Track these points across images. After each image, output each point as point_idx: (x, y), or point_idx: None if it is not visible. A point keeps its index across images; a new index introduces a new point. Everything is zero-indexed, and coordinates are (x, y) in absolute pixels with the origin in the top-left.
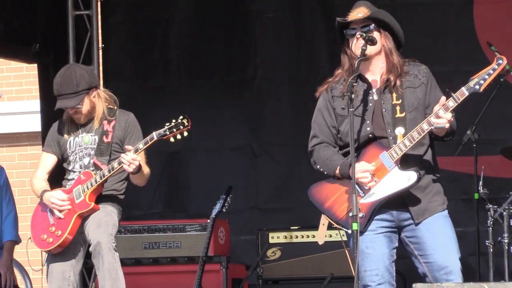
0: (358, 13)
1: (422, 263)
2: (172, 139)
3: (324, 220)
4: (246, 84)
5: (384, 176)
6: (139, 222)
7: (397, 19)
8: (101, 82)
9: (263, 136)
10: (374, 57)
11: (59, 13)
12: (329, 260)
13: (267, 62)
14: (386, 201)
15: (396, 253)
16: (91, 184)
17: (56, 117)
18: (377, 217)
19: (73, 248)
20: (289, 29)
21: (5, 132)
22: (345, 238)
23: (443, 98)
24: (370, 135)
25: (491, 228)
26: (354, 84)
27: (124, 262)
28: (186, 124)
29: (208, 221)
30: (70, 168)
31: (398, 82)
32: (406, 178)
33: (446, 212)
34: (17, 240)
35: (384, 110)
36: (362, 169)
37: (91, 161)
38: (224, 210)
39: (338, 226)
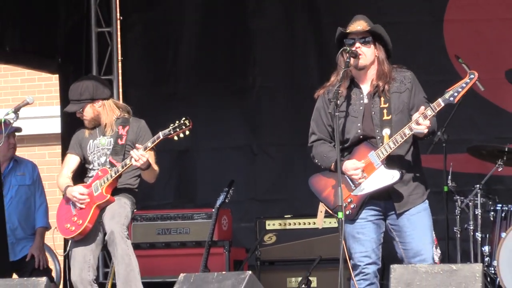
0: (358, 25)
1: (401, 248)
2: (176, 138)
3: (321, 208)
4: (246, 91)
5: (372, 173)
6: (153, 211)
7: None
8: (120, 90)
9: (261, 137)
10: (369, 66)
11: (79, 30)
12: (318, 244)
13: (265, 72)
14: (375, 194)
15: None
16: (107, 179)
17: (73, 121)
18: (367, 207)
19: (93, 235)
20: (283, 43)
21: (37, 133)
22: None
23: (422, 107)
24: (361, 136)
25: (458, 217)
26: (340, 91)
27: (140, 246)
28: (188, 124)
29: (213, 210)
30: (90, 167)
31: (386, 87)
32: (391, 176)
33: (425, 203)
34: (47, 227)
35: (373, 113)
36: (353, 166)
37: (107, 159)
38: (227, 201)
39: (333, 213)
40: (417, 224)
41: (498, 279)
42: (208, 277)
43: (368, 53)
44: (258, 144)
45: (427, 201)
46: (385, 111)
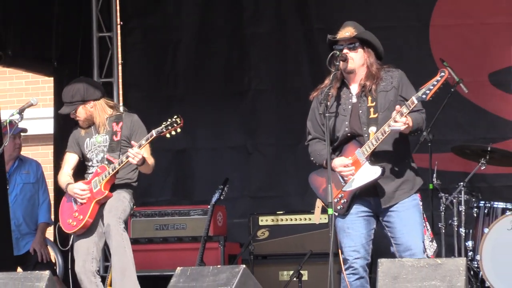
0: (346, 32)
1: (393, 244)
2: (168, 135)
3: (319, 204)
4: (242, 94)
5: (358, 169)
6: (151, 207)
7: None
8: (120, 92)
9: (256, 137)
10: (358, 69)
11: (74, 34)
12: (309, 239)
13: (259, 76)
14: (364, 190)
15: (373, 234)
16: (105, 176)
17: (66, 122)
18: (357, 203)
19: (95, 228)
20: (277, 48)
21: (40, 133)
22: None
23: (398, 106)
24: (348, 134)
25: (443, 213)
26: (329, 93)
27: (139, 241)
28: (179, 122)
29: (209, 207)
30: (89, 164)
31: (373, 87)
32: (374, 172)
33: (414, 199)
34: (49, 222)
35: (360, 111)
36: (341, 163)
37: (105, 156)
38: (222, 198)
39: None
40: (406, 220)
41: (481, 272)
42: (204, 271)
43: (356, 58)
44: (252, 144)
45: (416, 196)
46: (371, 109)
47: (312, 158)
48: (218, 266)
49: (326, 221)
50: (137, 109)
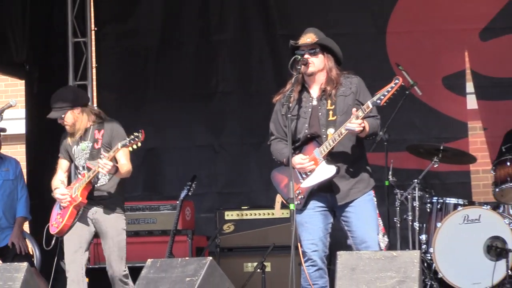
0: (307, 38)
1: (349, 237)
2: (131, 148)
3: (278, 199)
4: (209, 97)
5: (316, 167)
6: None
7: None
8: (94, 94)
9: (222, 137)
10: (318, 72)
11: (45, 39)
12: (272, 233)
13: (225, 79)
14: (322, 186)
15: (331, 227)
16: (82, 183)
17: (37, 123)
18: (314, 199)
19: (81, 230)
20: (242, 53)
21: (19, 132)
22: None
23: (354, 109)
24: (308, 135)
25: (398, 208)
26: (291, 96)
27: None
28: (140, 137)
29: (178, 202)
30: (78, 170)
31: (333, 92)
32: (329, 170)
33: (369, 196)
34: (27, 217)
35: (320, 114)
36: (299, 161)
37: (85, 164)
38: (190, 193)
39: (287, 204)
40: (361, 215)
41: (434, 264)
42: (173, 262)
43: (316, 62)
44: (219, 143)
45: (371, 193)
46: (330, 112)
47: (273, 157)
48: (186, 258)
49: (287, 215)
50: (110, 110)
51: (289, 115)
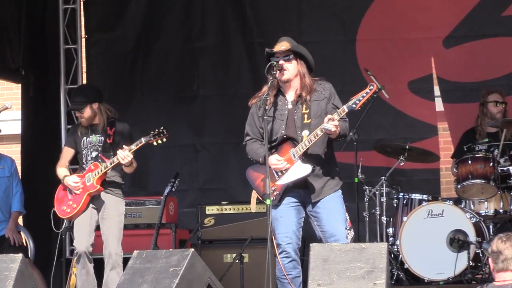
0: (282, 46)
1: (319, 230)
2: (155, 143)
3: (254, 195)
4: (191, 99)
5: (291, 166)
6: None
7: None
8: None
9: (203, 137)
10: (293, 79)
11: (40, 46)
12: (250, 226)
13: (207, 83)
14: (296, 183)
15: (303, 221)
16: (98, 172)
17: (32, 124)
18: (289, 194)
19: (89, 216)
20: (222, 59)
21: (14, 133)
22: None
23: (329, 115)
24: (284, 136)
25: (367, 203)
26: (268, 99)
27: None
28: (165, 133)
29: (162, 197)
30: (83, 160)
31: (308, 97)
32: (305, 169)
33: (338, 193)
34: (21, 211)
35: (296, 117)
36: (275, 161)
37: (99, 155)
38: (173, 190)
39: (262, 199)
40: (331, 210)
41: (400, 255)
42: (157, 254)
43: (291, 68)
44: (200, 143)
45: (340, 191)
46: (305, 116)
47: (249, 156)
48: (170, 249)
49: (264, 210)
50: None
51: (265, 117)
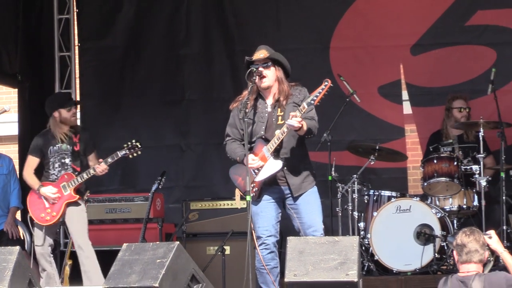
0: (260, 54)
1: (298, 222)
2: (130, 156)
3: (238, 192)
4: (177, 103)
5: (265, 163)
6: (102, 194)
7: None
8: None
9: (188, 137)
10: (272, 84)
11: (36, 53)
12: (231, 221)
13: (191, 88)
14: (275, 179)
15: (280, 216)
16: (75, 182)
17: (29, 126)
18: (268, 191)
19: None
20: (205, 65)
21: (12, 134)
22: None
23: (292, 112)
24: (263, 137)
25: (340, 200)
26: (248, 102)
27: (92, 222)
28: (139, 146)
29: (149, 194)
30: (50, 167)
31: (284, 101)
32: (276, 165)
33: (315, 188)
34: (19, 207)
35: (273, 119)
36: (250, 161)
37: (67, 162)
38: (160, 187)
39: (244, 196)
40: (309, 204)
41: (371, 248)
42: (145, 246)
43: (269, 74)
44: (185, 143)
45: (315, 186)
46: (279, 117)
47: (228, 155)
48: (157, 242)
49: (245, 206)
50: (91, 114)
51: (246, 119)
